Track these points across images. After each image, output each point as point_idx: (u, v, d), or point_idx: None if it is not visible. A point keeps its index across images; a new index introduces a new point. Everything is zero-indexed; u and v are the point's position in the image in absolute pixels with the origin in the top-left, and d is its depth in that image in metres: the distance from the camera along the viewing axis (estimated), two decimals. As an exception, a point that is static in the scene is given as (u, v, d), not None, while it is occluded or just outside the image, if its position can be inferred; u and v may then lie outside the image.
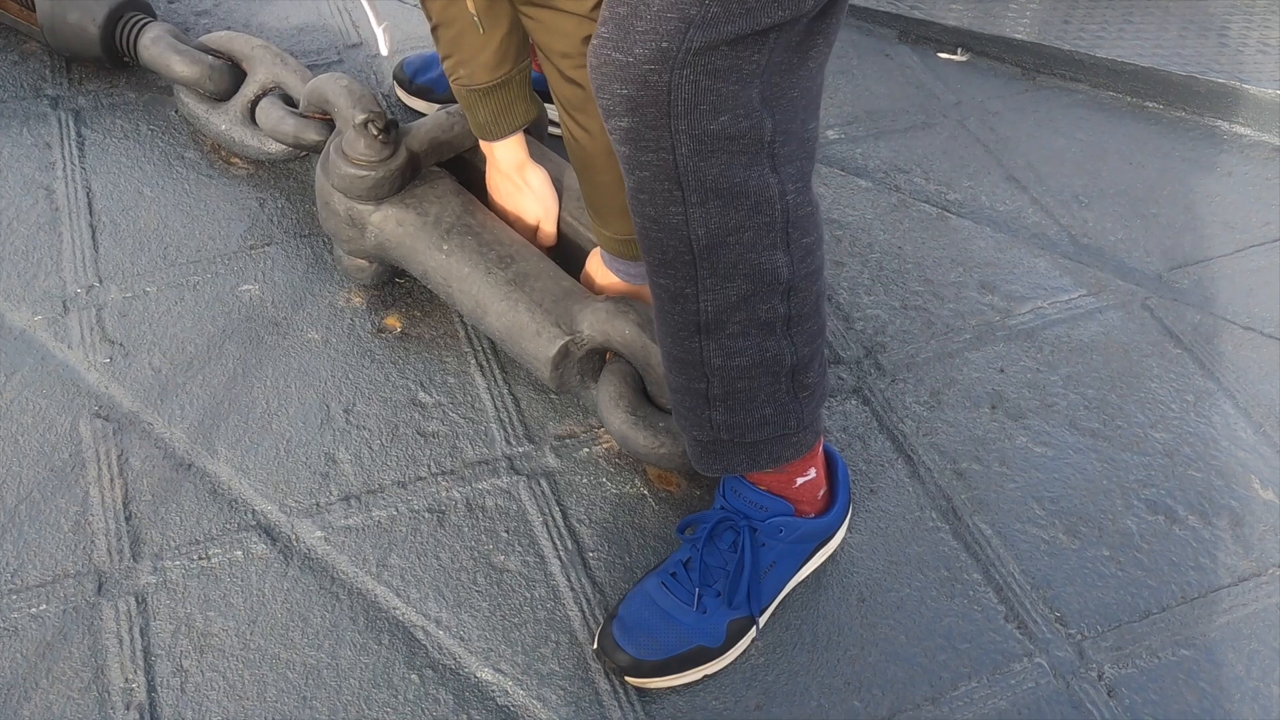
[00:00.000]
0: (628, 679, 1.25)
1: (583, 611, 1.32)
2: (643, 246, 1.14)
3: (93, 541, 1.36)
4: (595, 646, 1.27)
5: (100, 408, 1.49)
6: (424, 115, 1.76)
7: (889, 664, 1.29)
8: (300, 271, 1.66)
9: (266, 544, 1.37)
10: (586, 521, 1.40)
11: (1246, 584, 1.38)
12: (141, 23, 1.86)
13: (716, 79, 0.99)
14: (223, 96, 1.80)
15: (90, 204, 1.74)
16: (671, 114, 1.00)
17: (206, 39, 1.82)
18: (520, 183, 1.53)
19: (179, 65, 1.78)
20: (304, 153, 1.77)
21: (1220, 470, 1.50)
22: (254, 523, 1.39)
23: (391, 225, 1.53)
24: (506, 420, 1.51)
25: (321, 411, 1.50)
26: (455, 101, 1.57)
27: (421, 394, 1.53)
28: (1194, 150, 2.02)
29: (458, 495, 1.42)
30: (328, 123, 1.69)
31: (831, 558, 1.38)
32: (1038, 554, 1.40)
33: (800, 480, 1.29)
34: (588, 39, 1.20)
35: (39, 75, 1.96)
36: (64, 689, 1.24)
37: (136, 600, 1.31)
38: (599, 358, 1.46)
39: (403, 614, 1.31)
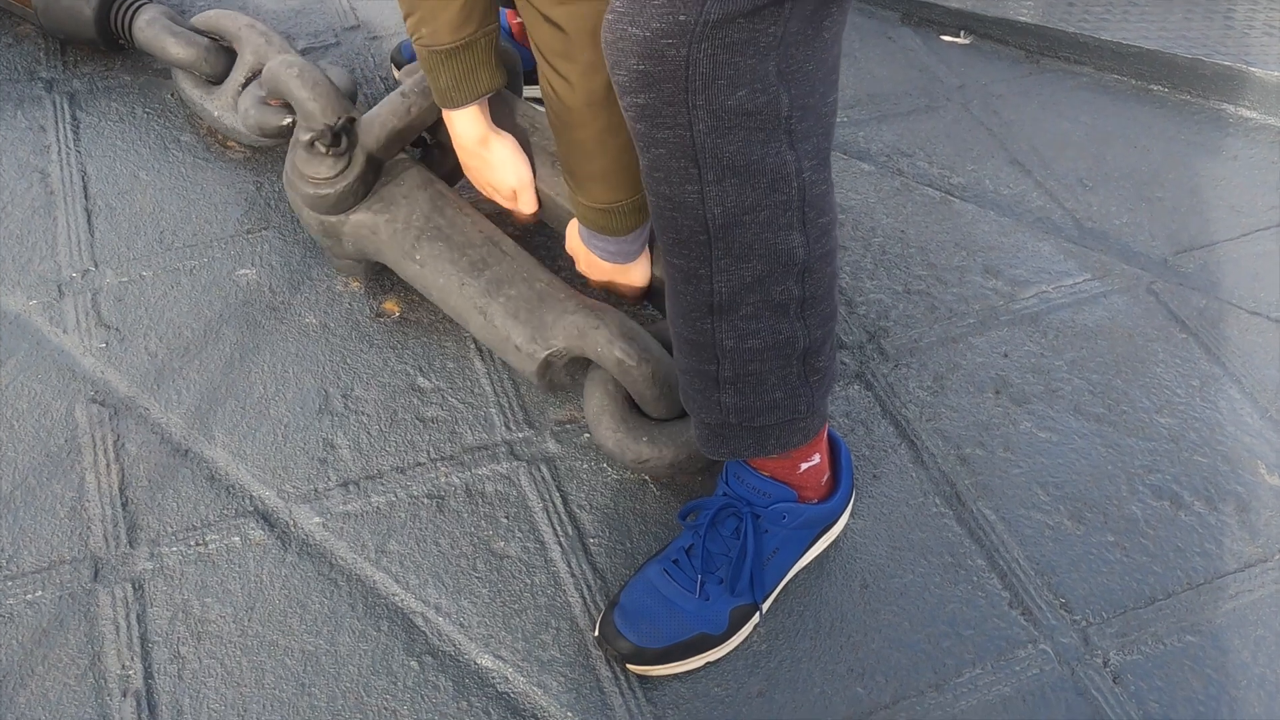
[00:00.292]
0: (629, 667, 1.24)
1: (583, 598, 1.31)
2: (656, 226, 1.12)
3: (89, 527, 1.35)
4: (597, 634, 1.26)
5: (96, 393, 1.48)
6: None
7: (892, 650, 1.28)
8: (298, 256, 1.65)
9: (264, 530, 1.36)
10: (587, 507, 1.39)
11: (1253, 570, 1.37)
12: (136, 4, 1.83)
13: (734, 52, 0.97)
14: (219, 79, 1.78)
15: (85, 188, 1.73)
16: (689, 89, 0.98)
17: (198, 19, 1.80)
18: (486, 157, 1.47)
19: (174, 47, 1.76)
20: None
21: (1226, 455, 1.48)
22: (251, 509, 1.38)
23: (365, 233, 1.50)
24: (506, 405, 1.49)
25: (319, 397, 1.48)
26: None
27: (420, 379, 1.52)
28: (1199, 134, 2.00)
29: (457, 481, 1.41)
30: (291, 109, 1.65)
31: (834, 544, 1.37)
32: (1042, 540, 1.39)
33: (804, 466, 1.27)
34: None
35: (33, 58, 1.94)
36: (60, 676, 1.23)
37: (133, 586, 1.30)
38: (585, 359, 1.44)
39: (402, 600, 1.30)
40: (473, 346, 1.56)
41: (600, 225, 1.35)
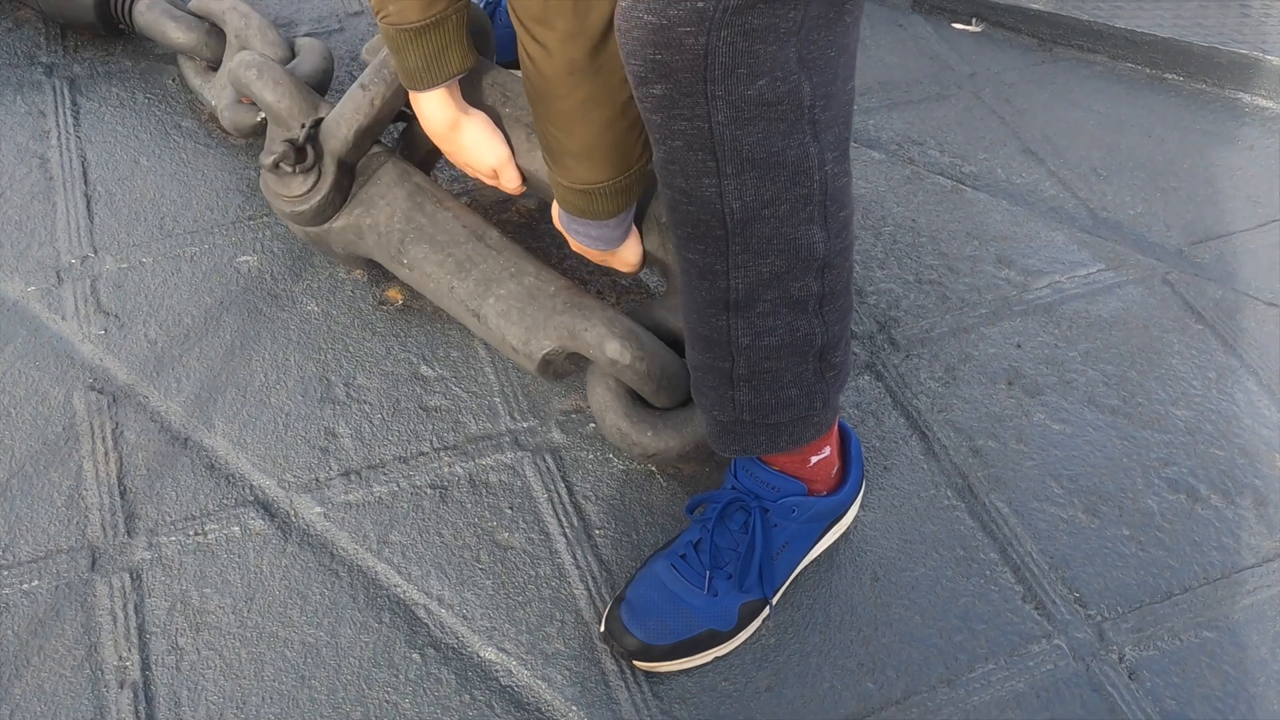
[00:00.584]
0: (636, 664, 1.22)
1: (589, 590, 1.29)
2: (671, 220, 1.08)
3: (86, 516, 1.33)
4: (603, 629, 1.24)
5: (95, 380, 1.46)
6: None
7: (903, 645, 1.26)
8: (299, 243, 1.62)
9: (264, 520, 1.34)
10: (593, 498, 1.37)
11: (1271, 564, 1.35)
12: (137, -12, 1.81)
13: (753, 39, 0.93)
14: (220, 64, 1.75)
15: (85, 173, 1.70)
16: (708, 78, 0.95)
17: (194, 3, 1.77)
18: (458, 140, 1.38)
19: (174, 32, 1.74)
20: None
21: (1243, 448, 1.46)
22: (252, 498, 1.35)
23: (351, 238, 1.47)
24: (511, 395, 1.47)
25: (321, 385, 1.46)
26: None
27: (424, 368, 1.49)
28: (1215, 123, 1.97)
29: (460, 471, 1.39)
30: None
31: (844, 536, 1.34)
32: (1056, 533, 1.36)
33: (815, 459, 1.25)
34: None
35: (33, 43, 1.91)
36: (56, 667, 1.21)
37: (131, 576, 1.28)
38: None
39: (404, 592, 1.28)
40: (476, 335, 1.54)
41: (581, 208, 1.26)
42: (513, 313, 1.37)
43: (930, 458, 1.43)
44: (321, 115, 1.45)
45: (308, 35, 1.92)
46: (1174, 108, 2.00)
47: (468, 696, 1.21)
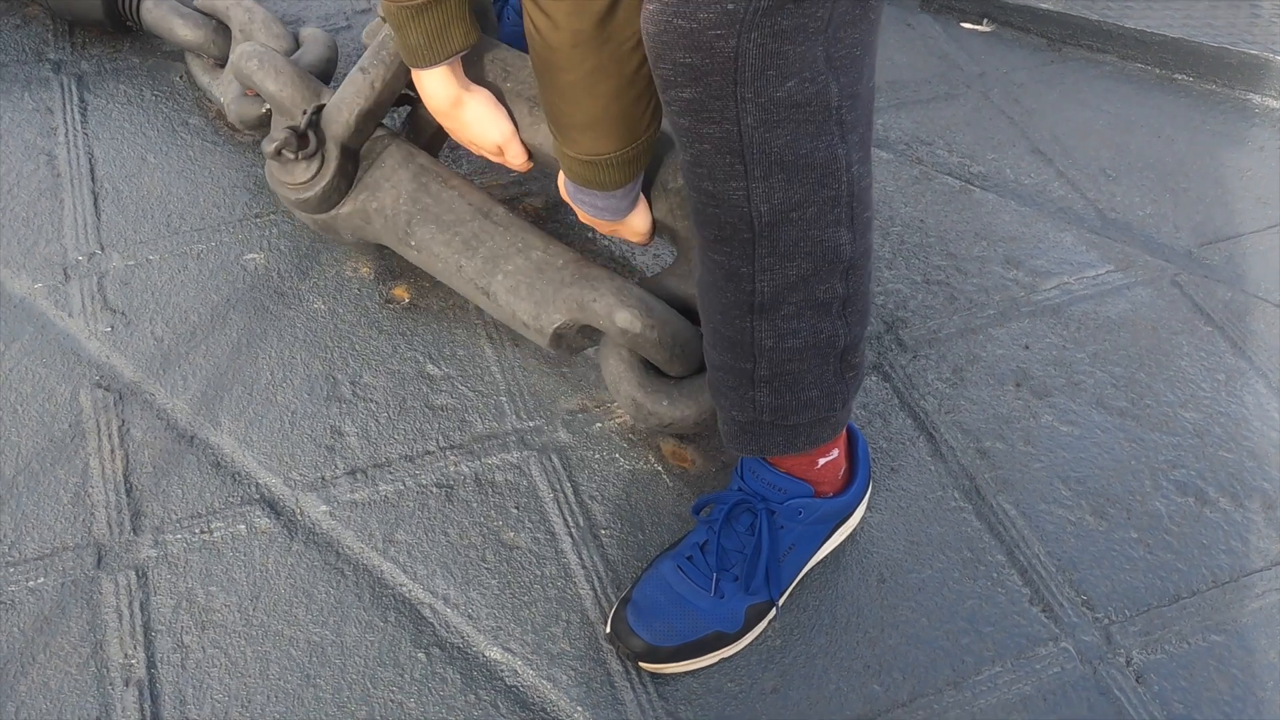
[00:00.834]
0: (642, 665, 1.21)
1: (594, 590, 1.28)
2: (697, 222, 1.08)
3: (92, 514, 1.33)
4: (609, 631, 1.23)
5: (101, 377, 1.46)
6: None
7: (910, 647, 1.26)
8: (306, 240, 1.62)
9: (270, 518, 1.33)
10: (599, 498, 1.36)
11: (1279, 568, 1.34)
12: (145, -15, 1.81)
13: (783, 40, 0.93)
14: (227, 60, 1.75)
15: (92, 170, 1.70)
16: (738, 81, 0.94)
17: (198, 1, 1.77)
18: (461, 117, 1.37)
19: (182, 29, 1.74)
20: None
21: (1252, 451, 1.45)
22: (257, 496, 1.35)
23: (358, 223, 1.47)
24: (517, 393, 1.47)
25: (327, 383, 1.46)
26: None
27: (430, 366, 1.49)
28: (1225, 124, 1.96)
29: (466, 470, 1.38)
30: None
31: (851, 537, 1.34)
32: (1064, 536, 1.36)
33: (823, 461, 1.24)
34: None
35: (41, 39, 1.91)
36: (62, 664, 1.21)
37: (137, 574, 1.28)
38: None
39: (409, 591, 1.28)
40: (483, 334, 1.53)
41: (587, 179, 1.24)
42: (522, 288, 1.36)
43: (937, 459, 1.43)
44: (324, 102, 1.45)
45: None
46: (1184, 108, 1.99)
47: (473, 696, 1.20)
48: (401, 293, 1.57)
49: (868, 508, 1.36)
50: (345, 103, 1.43)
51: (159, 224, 1.63)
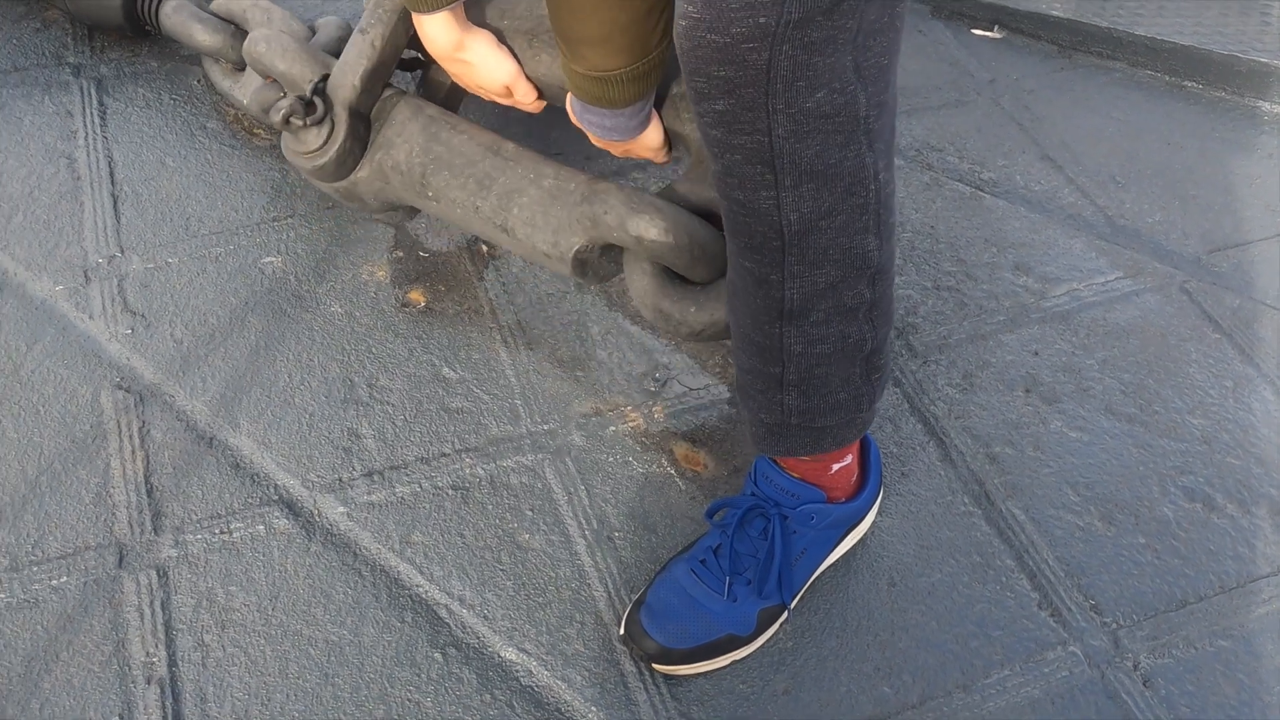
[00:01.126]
0: (655, 666, 1.23)
1: (608, 592, 1.30)
2: (729, 230, 1.10)
3: (114, 514, 1.35)
4: (622, 632, 1.25)
5: (122, 379, 1.48)
6: None
7: (920, 650, 1.27)
8: (323, 244, 1.64)
9: (289, 519, 1.35)
10: (612, 501, 1.38)
11: (1286, 574, 1.36)
12: (164, -10, 1.83)
13: (813, 53, 0.95)
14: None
15: (112, 174, 1.72)
16: (770, 93, 0.96)
17: (216, 4, 1.79)
18: (466, 60, 1.37)
19: (201, 34, 1.75)
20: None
21: (1260, 458, 1.46)
22: (276, 497, 1.37)
23: (378, 186, 1.47)
24: (531, 397, 1.48)
25: (345, 386, 1.48)
26: None
27: (446, 369, 1.51)
28: (1234, 131, 1.97)
29: (482, 472, 1.40)
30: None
31: (862, 542, 1.35)
32: (1072, 541, 1.37)
33: (836, 467, 1.26)
34: None
35: (61, 43, 1.93)
36: (85, 662, 1.23)
37: (158, 574, 1.30)
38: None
39: (426, 592, 1.30)
40: (498, 337, 1.55)
41: (595, 95, 1.21)
42: (538, 218, 1.35)
43: (947, 464, 1.44)
44: (330, 71, 1.46)
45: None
46: (1193, 115, 2.00)
47: (489, 696, 1.22)
48: (417, 296, 1.59)
49: (878, 512, 1.37)
50: (349, 65, 1.43)
51: (178, 227, 1.65)
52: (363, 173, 1.47)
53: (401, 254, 1.64)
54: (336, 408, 1.45)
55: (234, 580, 1.30)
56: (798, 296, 1.08)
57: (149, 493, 1.37)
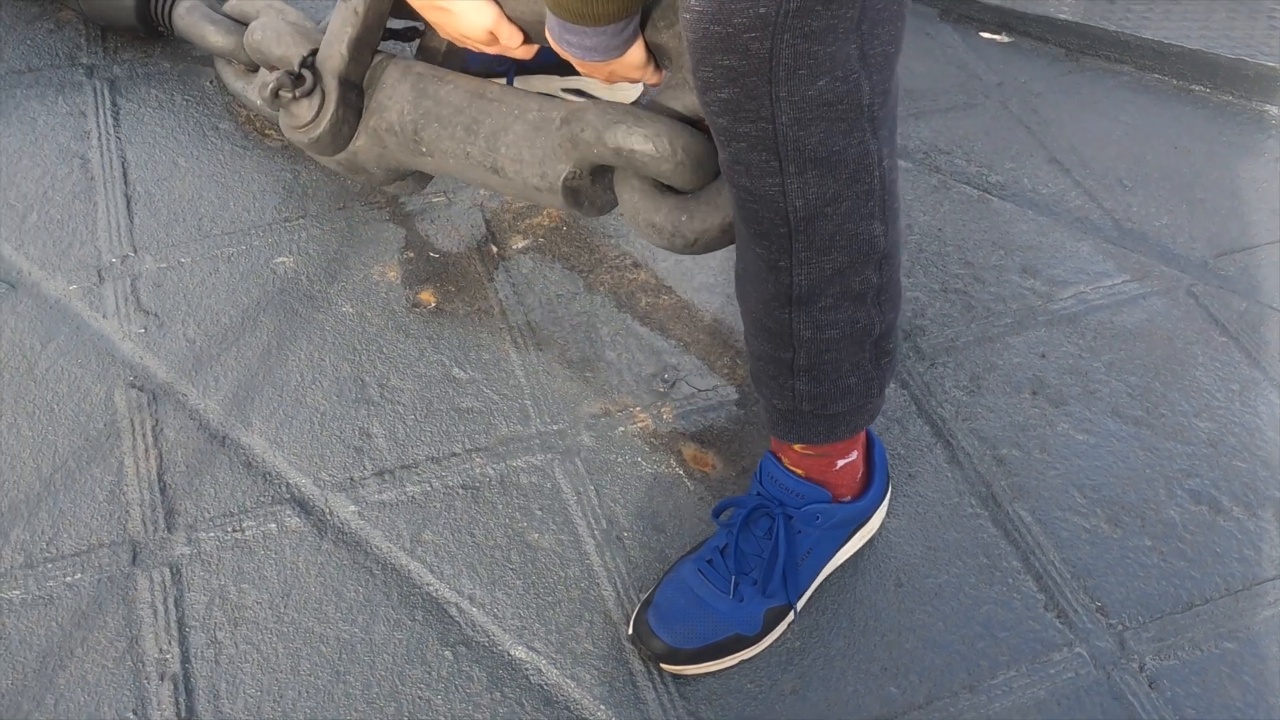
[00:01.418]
0: (663, 666, 1.24)
1: (617, 591, 1.31)
2: (737, 218, 1.11)
3: (127, 512, 1.36)
4: (630, 632, 1.26)
5: (135, 378, 1.49)
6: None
7: (926, 651, 1.28)
8: (334, 244, 1.65)
9: (300, 518, 1.37)
10: (621, 501, 1.39)
11: (1292, 577, 1.36)
12: (177, -8, 1.84)
13: (813, 41, 0.96)
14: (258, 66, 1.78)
15: (125, 174, 1.74)
16: (773, 81, 0.98)
17: (229, 5, 1.80)
18: (444, 9, 1.33)
19: (214, 35, 1.76)
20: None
21: (1266, 461, 1.47)
22: (288, 496, 1.38)
23: (377, 151, 1.48)
24: (540, 397, 1.49)
25: (356, 386, 1.49)
26: None
27: (456, 370, 1.52)
28: (1241, 135, 1.98)
29: (492, 472, 1.41)
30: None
31: (869, 542, 1.36)
32: (1079, 543, 1.38)
33: (840, 463, 1.27)
34: None
35: (74, 44, 1.95)
36: (99, 658, 1.24)
37: (171, 571, 1.31)
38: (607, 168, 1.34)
39: (436, 590, 1.31)
40: (507, 338, 1.56)
41: (576, 12, 1.14)
42: (524, 153, 1.33)
43: (954, 466, 1.45)
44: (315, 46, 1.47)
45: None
46: (1201, 119, 2.01)
47: (498, 694, 1.23)
48: (428, 297, 1.60)
49: (886, 512, 1.38)
50: (334, 35, 1.44)
51: (190, 227, 1.67)
52: (360, 141, 1.48)
53: (412, 255, 1.65)
54: (348, 407, 1.47)
55: (246, 578, 1.31)
56: (805, 282, 1.10)
57: (162, 491, 1.38)
